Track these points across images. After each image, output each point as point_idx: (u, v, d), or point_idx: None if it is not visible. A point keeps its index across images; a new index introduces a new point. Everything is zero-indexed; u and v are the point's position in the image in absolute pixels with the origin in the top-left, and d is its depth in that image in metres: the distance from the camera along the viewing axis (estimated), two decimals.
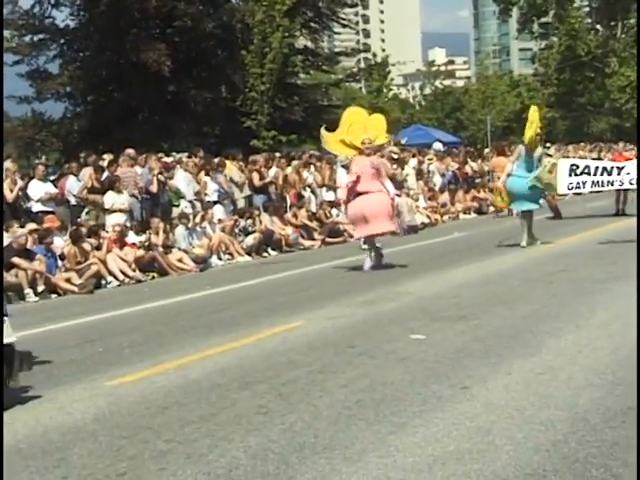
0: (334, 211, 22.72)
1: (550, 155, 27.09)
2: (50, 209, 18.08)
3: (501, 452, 5.10)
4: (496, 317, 9.52)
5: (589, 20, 64.93)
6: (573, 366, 7.02)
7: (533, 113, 16.92)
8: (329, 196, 23.47)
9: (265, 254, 19.65)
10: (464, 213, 27.35)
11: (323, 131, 16.04)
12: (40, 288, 14.95)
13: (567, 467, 4.82)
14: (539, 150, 17.09)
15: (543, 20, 65.13)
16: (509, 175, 16.75)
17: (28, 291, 14.73)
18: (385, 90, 68.18)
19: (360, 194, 14.75)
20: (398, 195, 15.56)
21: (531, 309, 9.87)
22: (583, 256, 14.41)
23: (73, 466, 5.37)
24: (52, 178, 19.86)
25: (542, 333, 8.43)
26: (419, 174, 27.90)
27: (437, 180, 28.73)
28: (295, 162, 23.98)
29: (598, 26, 64.49)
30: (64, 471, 5.30)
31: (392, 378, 7.02)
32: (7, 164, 19.64)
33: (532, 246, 16.17)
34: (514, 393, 6.37)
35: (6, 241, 15.71)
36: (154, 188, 19.43)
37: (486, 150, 32.92)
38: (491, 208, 26.51)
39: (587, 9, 65.44)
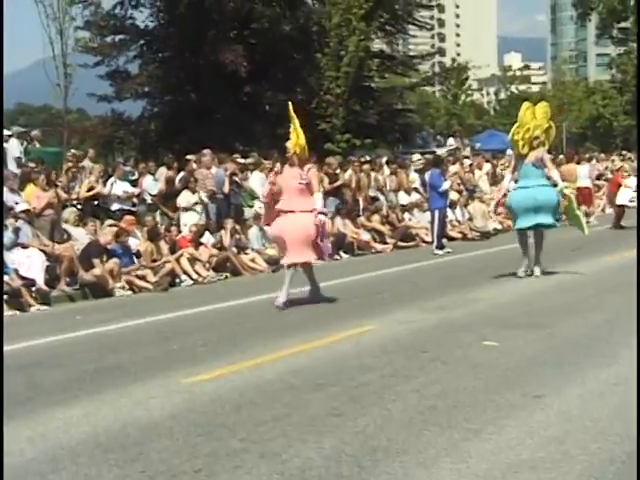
0: (406, 215, 22.74)
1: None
2: (128, 207, 18.42)
3: (575, 462, 5.09)
4: (570, 326, 9.46)
5: None
6: None
7: (523, 112, 14.12)
8: (402, 200, 23.48)
9: (337, 257, 19.71)
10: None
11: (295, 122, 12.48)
12: (118, 285, 15.22)
13: None
14: (538, 152, 13.92)
15: (622, 25, 64.19)
16: (508, 190, 14.30)
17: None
18: (463, 96, 67.98)
19: (284, 213, 12.26)
20: (324, 213, 12.41)
21: (606, 319, 9.78)
22: None
23: (151, 461, 5.49)
24: (132, 178, 20.20)
25: (617, 343, 8.36)
26: (492, 179, 27.71)
27: (511, 186, 28.46)
28: (366, 165, 24.01)
29: None
30: (142, 465, 5.42)
31: (464, 384, 7.03)
32: (85, 162, 20.10)
33: (531, 277, 13.82)
34: (588, 403, 6.34)
35: (86, 238, 16.10)
36: (226, 188, 19.62)
37: (560, 156, 32.64)
38: (563, 216, 26.17)
39: None
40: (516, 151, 14.31)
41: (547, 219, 13.93)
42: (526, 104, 14.65)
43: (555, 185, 14.07)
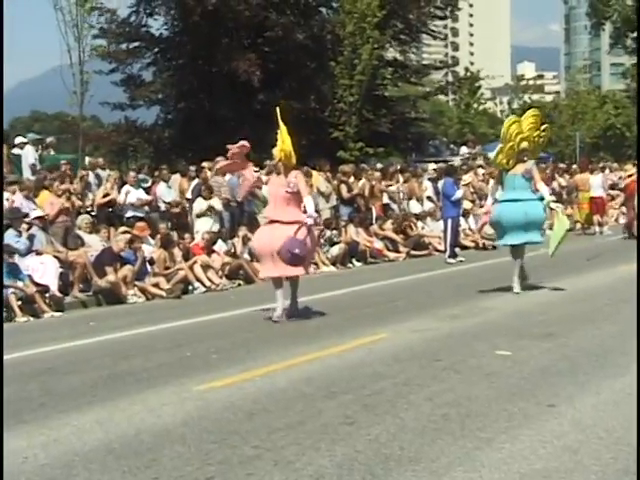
0: (419, 224, 22.73)
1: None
2: (142, 215, 18.45)
3: (589, 473, 5.07)
4: (584, 336, 9.43)
5: None
6: None
7: (507, 129, 13.36)
8: (415, 208, 23.49)
9: (350, 265, 19.73)
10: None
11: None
12: (131, 291, 15.25)
13: None
14: (527, 165, 13.36)
15: (637, 35, 63.99)
16: (495, 202, 13.65)
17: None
18: (475, 105, 67.93)
19: (271, 222, 11.84)
20: (315, 221, 11.90)
21: (620, 329, 9.76)
22: None
23: (164, 467, 5.50)
24: (145, 185, 20.25)
25: (631, 353, 8.32)
26: None
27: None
28: (377, 174, 24.01)
29: None
30: (155, 472, 5.42)
31: (477, 393, 7.02)
32: (98, 170, 20.18)
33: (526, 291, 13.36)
34: (603, 413, 6.32)
35: (99, 245, 16.14)
36: (240, 196, 19.62)
37: (574, 166, 32.62)
38: (577, 225, 26.22)
39: None
40: (500, 167, 13.70)
41: (536, 237, 13.59)
42: (510, 119, 14.07)
43: (542, 199, 13.62)
